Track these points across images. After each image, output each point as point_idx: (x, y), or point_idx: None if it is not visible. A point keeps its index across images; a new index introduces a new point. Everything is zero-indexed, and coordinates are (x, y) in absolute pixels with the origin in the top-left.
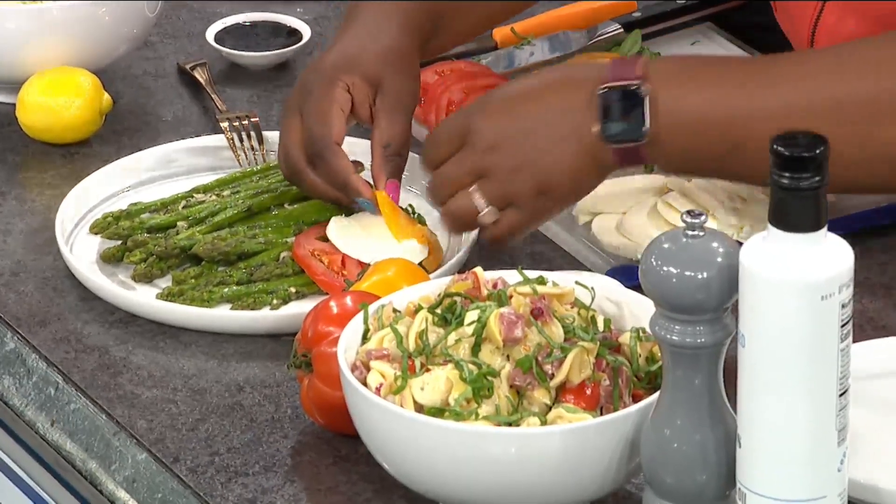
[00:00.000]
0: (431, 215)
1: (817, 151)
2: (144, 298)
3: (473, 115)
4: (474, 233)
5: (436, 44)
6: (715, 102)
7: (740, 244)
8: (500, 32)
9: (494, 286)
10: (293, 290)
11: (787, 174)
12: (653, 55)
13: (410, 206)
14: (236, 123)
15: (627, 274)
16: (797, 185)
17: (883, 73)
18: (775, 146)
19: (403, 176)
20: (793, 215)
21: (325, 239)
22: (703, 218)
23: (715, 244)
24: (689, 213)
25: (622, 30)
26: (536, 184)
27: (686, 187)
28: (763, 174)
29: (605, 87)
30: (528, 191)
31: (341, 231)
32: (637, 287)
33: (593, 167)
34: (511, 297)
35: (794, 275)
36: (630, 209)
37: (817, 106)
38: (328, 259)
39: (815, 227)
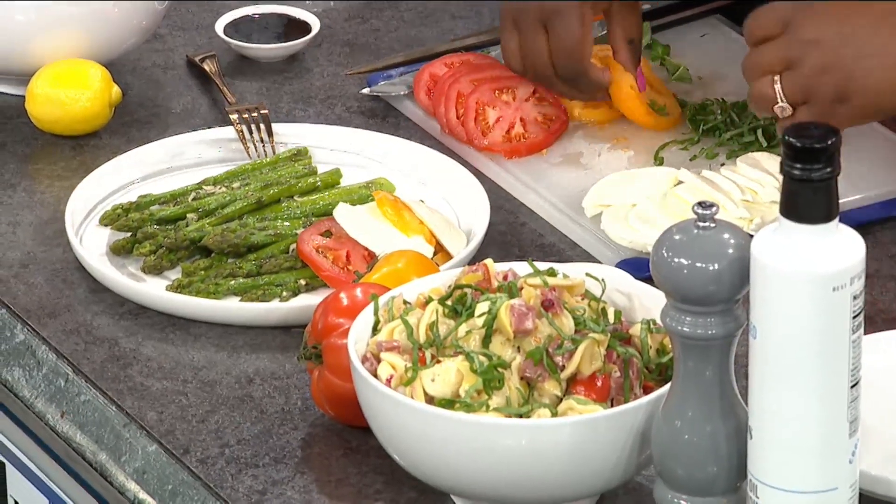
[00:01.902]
0: (442, 211)
1: (829, 142)
2: (154, 290)
3: (799, 8)
4: (485, 225)
5: None
6: None
7: (751, 236)
8: None
9: (505, 278)
10: (303, 282)
11: (798, 165)
12: (662, 48)
13: (422, 200)
14: (246, 115)
15: (637, 266)
16: (808, 176)
17: None
18: (786, 137)
19: (419, 174)
20: (804, 206)
21: (329, 234)
22: (714, 209)
23: (726, 235)
24: (700, 204)
25: None
26: (838, 89)
27: (696, 179)
28: None
29: None
30: (828, 93)
31: (349, 215)
32: (647, 279)
33: None
34: (521, 288)
35: (806, 266)
36: (640, 201)
37: None
38: (333, 255)
39: (826, 219)
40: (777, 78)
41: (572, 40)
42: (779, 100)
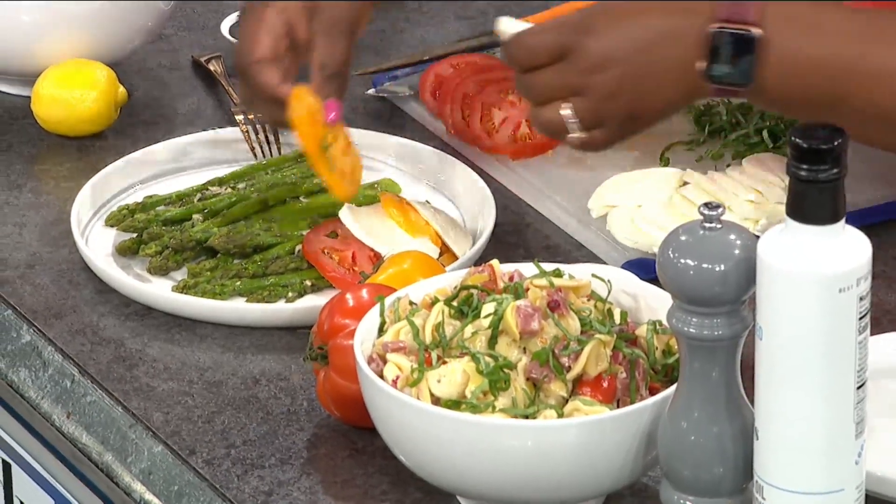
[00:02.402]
0: (446, 212)
1: (836, 143)
2: (160, 291)
3: (577, 33)
4: (490, 226)
5: None
6: (829, 55)
7: (757, 237)
8: None
9: (511, 279)
10: (308, 282)
11: (804, 166)
12: None
13: (427, 201)
14: (251, 116)
15: (643, 267)
16: (815, 177)
17: None
18: (793, 138)
19: (425, 175)
20: (811, 207)
21: (335, 235)
22: (720, 210)
23: (732, 236)
24: (706, 205)
25: None
26: (630, 109)
27: (702, 180)
28: (863, 133)
29: (718, 27)
30: (620, 115)
31: (355, 216)
32: (653, 280)
33: (689, 98)
34: (527, 289)
35: (812, 267)
36: (645, 202)
37: None
38: (339, 256)
39: (833, 220)
40: (566, 105)
41: (246, 31)
42: (573, 129)
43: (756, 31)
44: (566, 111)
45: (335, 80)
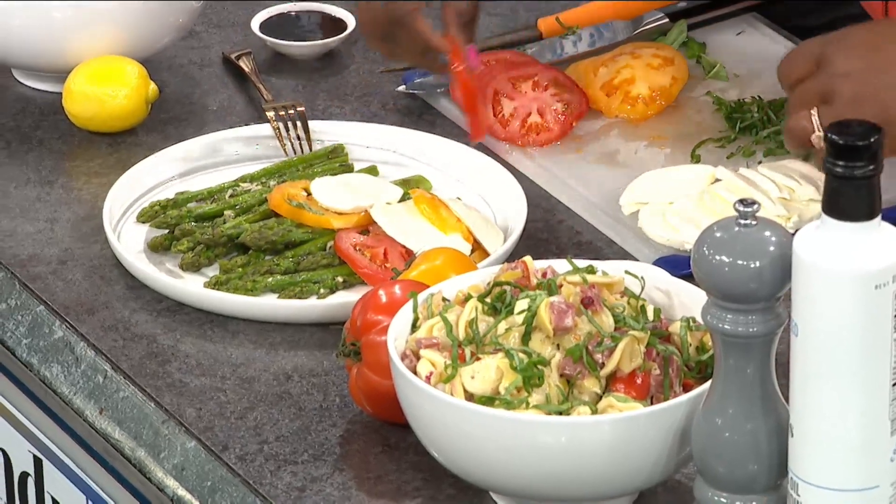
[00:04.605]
0: (478, 208)
1: (871, 140)
2: (192, 287)
3: (831, 43)
4: (522, 222)
5: None
6: None
7: (791, 234)
8: (545, 22)
9: (544, 275)
10: (340, 279)
11: (840, 162)
12: (698, 46)
13: (458, 197)
14: (282, 113)
15: (675, 263)
16: (851, 174)
17: None
18: (829, 134)
19: (456, 171)
20: (846, 204)
21: (366, 232)
22: (755, 207)
23: (768, 233)
24: (741, 201)
25: (667, 20)
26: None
27: (734, 177)
28: None
29: None
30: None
31: (387, 213)
32: (685, 276)
33: None
34: (561, 286)
35: (848, 264)
36: (677, 199)
37: None
38: (370, 252)
39: (869, 216)
40: (814, 111)
41: None
42: (816, 129)
43: None
44: (813, 115)
45: (470, 27)
